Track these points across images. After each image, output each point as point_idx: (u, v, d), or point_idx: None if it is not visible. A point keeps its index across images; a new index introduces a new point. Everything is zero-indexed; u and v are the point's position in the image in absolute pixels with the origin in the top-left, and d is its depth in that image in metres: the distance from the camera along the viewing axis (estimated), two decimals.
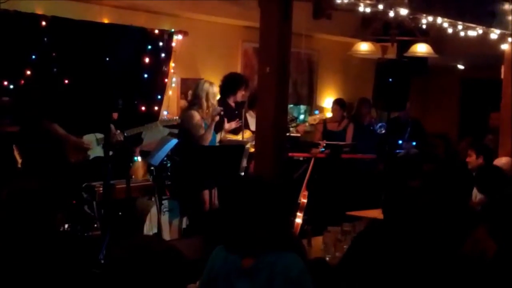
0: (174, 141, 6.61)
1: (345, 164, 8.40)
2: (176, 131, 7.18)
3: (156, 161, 6.53)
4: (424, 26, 7.11)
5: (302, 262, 2.94)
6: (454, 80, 12.48)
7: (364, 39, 8.54)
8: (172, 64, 8.40)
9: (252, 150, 6.67)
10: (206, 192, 6.75)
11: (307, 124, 8.51)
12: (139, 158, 7.15)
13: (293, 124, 7.99)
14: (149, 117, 7.68)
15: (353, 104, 9.62)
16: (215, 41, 8.96)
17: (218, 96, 7.17)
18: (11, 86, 6.93)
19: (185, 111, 7.18)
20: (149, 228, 6.57)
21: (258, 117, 5.67)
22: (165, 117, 7.80)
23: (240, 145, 6.85)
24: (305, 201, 7.58)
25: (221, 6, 8.38)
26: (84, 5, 7.59)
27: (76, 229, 6.15)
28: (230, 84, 7.55)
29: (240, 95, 7.57)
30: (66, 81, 7.34)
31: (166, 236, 6.68)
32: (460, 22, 7.04)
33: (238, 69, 9.14)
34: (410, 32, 8.19)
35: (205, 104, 6.90)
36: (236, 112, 7.53)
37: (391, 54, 9.52)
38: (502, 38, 7.49)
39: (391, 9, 6.30)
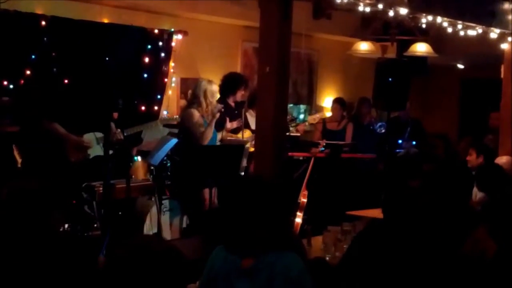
0: (174, 141, 6.61)
1: (345, 164, 8.39)
2: (176, 131, 7.18)
3: (156, 161, 6.53)
4: (424, 26, 7.10)
5: (301, 262, 2.94)
6: (454, 80, 12.48)
7: (364, 39, 8.54)
8: (172, 64, 8.40)
9: (252, 149, 6.67)
10: (206, 191, 6.74)
11: (306, 123, 8.51)
12: (139, 158, 7.15)
13: (293, 124, 7.99)
14: (149, 117, 7.69)
15: (353, 104, 9.62)
16: (215, 41, 8.97)
17: (218, 96, 7.16)
18: (11, 86, 6.93)
19: (185, 110, 7.18)
20: (149, 228, 6.58)
21: (258, 116, 5.67)
22: (165, 116, 7.80)
23: (240, 145, 6.85)
24: (305, 200, 7.58)
25: (221, 6, 8.38)
26: (84, 5, 7.59)
27: (76, 229, 6.15)
28: (229, 84, 7.55)
29: (240, 95, 7.57)
30: (66, 81, 7.34)
31: (167, 235, 6.68)
32: (460, 22, 7.04)
33: (238, 69, 9.14)
34: (410, 31, 8.19)
35: (203, 102, 6.89)
36: (236, 111, 7.52)
37: (391, 54, 9.52)
38: (502, 38, 7.48)
39: (390, 9, 6.30)
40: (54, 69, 7.28)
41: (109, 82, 7.48)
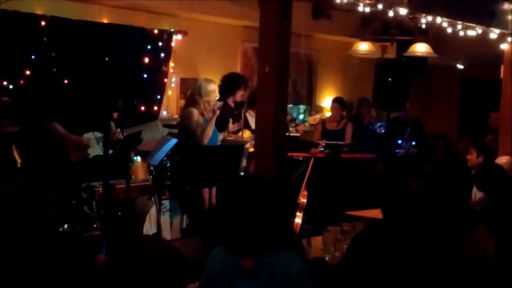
0: (174, 141, 6.61)
1: (344, 164, 8.39)
2: (175, 131, 7.18)
3: (156, 161, 6.53)
4: (423, 26, 7.10)
5: (301, 262, 2.94)
6: (453, 80, 12.48)
7: (364, 39, 8.54)
8: (171, 64, 8.41)
9: (252, 149, 6.67)
10: (206, 190, 6.74)
11: (306, 124, 8.50)
12: (139, 158, 7.15)
13: (293, 124, 7.98)
14: (149, 117, 7.69)
15: (353, 104, 9.62)
16: (214, 41, 8.97)
17: (216, 94, 7.15)
18: (11, 86, 6.94)
19: (184, 109, 7.19)
20: (148, 228, 6.57)
21: (257, 117, 5.67)
22: (165, 117, 7.81)
23: (240, 145, 6.84)
24: (304, 201, 7.57)
25: (220, 6, 8.38)
26: (83, 5, 7.59)
27: (75, 229, 6.15)
28: (229, 84, 7.54)
29: (240, 95, 7.56)
30: (66, 81, 7.35)
31: (167, 236, 6.67)
32: (459, 22, 7.04)
33: (238, 69, 9.14)
34: (409, 31, 8.19)
35: (199, 100, 6.90)
36: (236, 112, 7.52)
37: (391, 54, 9.52)
38: (501, 38, 7.48)
39: (390, 9, 6.29)
40: (54, 69, 7.28)
41: (108, 82, 7.48)
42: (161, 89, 8.34)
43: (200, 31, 8.72)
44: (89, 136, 6.52)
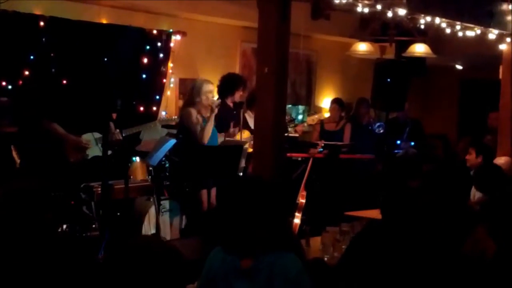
0: (172, 142, 6.61)
1: (343, 164, 8.39)
2: (174, 131, 7.18)
3: (154, 161, 6.52)
4: (422, 26, 7.10)
5: (300, 262, 2.94)
6: (452, 80, 12.48)
7: (363, 40, 8.54)
8: (170, 65, 8.40)
9: (251, 150, 6.67)
10: (204, 192, 6.74)
11: (305, 124, 8.50)
12: (137, 159, 7.15)
13: (292, 124, 7.98)
14: (148, 118, 7.69)
15: (352, 104, 9.62)
16: (213, 42, 8.97)
17: (214, 94, 7.15)
18: (10, 87, 6.93)
19: (182, 109, 7.20)
20: (147, 229, 6.57)
21: (256, 117, 5.67)
22: (164, 117, 7.80)
23: (239, 145, 6.84)
24: (303, 201, 7.58)
25: (219, 7, 8.38)
26: (82, 6, 7.59)
27: (74, 229, 6.15)
28: (228, 84, 7.55)
29: (238, 95, 7.57)
30: (65, 82, 7.34)
31: (166, 236, 6.67)
32: (458, 22, 7.03)
33: (237, 69, 9.14)
34: (408, 32, 8.19)
35: (197, 100, 6.92)
36: (235, 112, 7.52)
37: (390, 54, 9.53)
38: (500, 38, 7.48)
39: (389, 9, 6.30)
40: (53, 70, 7.27)
41: (107, 83, 7.48)
42: (160, 89, 8.34)
43: (199, 31, 8.72)
44: (88, 136, 6.52)
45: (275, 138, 5.38)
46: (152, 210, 6.55)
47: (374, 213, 5.08)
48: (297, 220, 7.44)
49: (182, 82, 8.60)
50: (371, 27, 8.62)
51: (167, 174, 6.83)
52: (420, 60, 9.32)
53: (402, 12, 6.34)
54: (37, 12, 7.16)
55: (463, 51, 9.02)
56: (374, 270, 3.52)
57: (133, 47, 7.94)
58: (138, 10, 8.06)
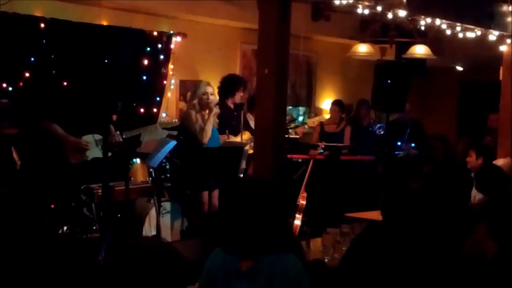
0: (173, 143, 6.61)
1: (343, 166, 8.39)
2: (175, 132, 7.18)
3: (155, 163, 6.53)
4: (422, 28, 7.11)
5: (300, 263, 2.94)
6: (453, 82, 12.49)
7: (363, 41, 8.54)
8: (171, 66, 8.41)
9: (251, 151, 6.67)
10: (205, 193, 6.75)
11: (306, 126, 8.51)
12: (138, 160, 7.15)
13: (292, 125, 7.99)
14: (148, 119, 7.70)
15: (352, 106, 9.62)
16: (213, 43, 8.97)
17: (213, 95, 7.15)
18: (10, 88, 6.93)
19: (184, 112, 7.25)
20: (148, 230, 6.57)
21: (257, 118, 5.68)
22: (164, 119, 7.80)
23: (239, 147, 6.85)
24: (304, 202, 7.57)
25: (219, 8, 8.39)
26: (82, 7, 7.59)
27: (75, 231, 6.15)
28: (228, 85, 7.56)
29: (239, 96, 7.58)
30: (65, 83, 7.34)
31: (167, 238, 6.67)
32: (458, 24, 7.04)
33: (237, 70, 9.14)
34: (408, 33, 8.19)
35: (194, 102, 6.96)
36: (235, 113, 7.53)
37: (390, 56, 9.53)
38: (500, 40, 7.49)
39: (389, 11, 6.30)
40: (53, 71, 7.27)
41: (108, 84, 7.48)
42: (161, 91, 8.34)
43: (199, 33, 8.72)
44: (89, 138, 6.52)
45: (275, 140, 5.38)
46: (153, 212, 6.55)
47: (375, 215, 5.08)
48: (297, 222, 7.43)
49: (182, 84, 8.61)
50: (371, 28, 8.62)
51: (168, 175, 6.84)
52: (420, 61, 9.33)
53: (402, 13, 6.34)
54: (38, 14, 7.16)
55: (464, 52, 9.03)
56: (375, 272, 3.52)
57: (133, 49, 7.95)
58: (138, 12, 8.06)
